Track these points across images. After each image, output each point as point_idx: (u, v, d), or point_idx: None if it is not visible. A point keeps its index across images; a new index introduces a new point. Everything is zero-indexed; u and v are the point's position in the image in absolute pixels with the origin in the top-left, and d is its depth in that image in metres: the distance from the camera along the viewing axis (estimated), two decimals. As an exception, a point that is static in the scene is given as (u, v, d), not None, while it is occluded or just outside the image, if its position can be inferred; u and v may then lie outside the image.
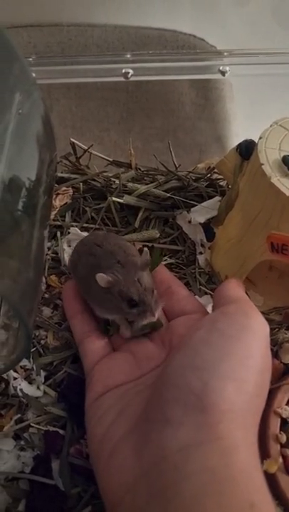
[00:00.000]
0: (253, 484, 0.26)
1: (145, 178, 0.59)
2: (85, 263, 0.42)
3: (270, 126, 0.44)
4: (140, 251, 0.43)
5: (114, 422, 0.33)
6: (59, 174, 0.58)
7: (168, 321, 0.42)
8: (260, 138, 0.43)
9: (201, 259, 0.52)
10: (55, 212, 0.55)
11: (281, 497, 0.36)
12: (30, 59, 0.55)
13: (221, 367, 0.29)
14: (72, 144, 0.59)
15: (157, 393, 0.31)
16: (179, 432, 0.28)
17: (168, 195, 0.56)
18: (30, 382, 0.43)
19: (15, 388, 0.42)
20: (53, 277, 0.50)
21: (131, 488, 0.28)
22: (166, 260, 0.52)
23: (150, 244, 0.52)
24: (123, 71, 0.54)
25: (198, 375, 0.29)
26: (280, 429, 0.39)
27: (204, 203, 0.55)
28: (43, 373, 0.43)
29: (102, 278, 0.38)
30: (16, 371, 0.43)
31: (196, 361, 0.30)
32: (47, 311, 0.47)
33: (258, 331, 0.32)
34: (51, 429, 0.40)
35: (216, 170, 0.56)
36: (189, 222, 0.54)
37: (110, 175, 0.58)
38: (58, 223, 0.55)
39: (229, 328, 0.32)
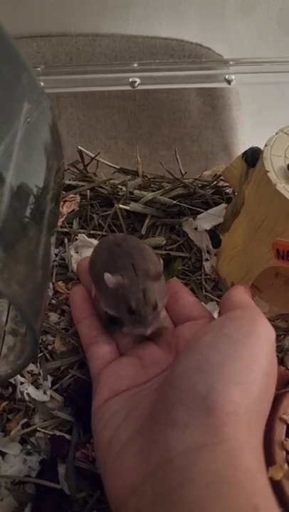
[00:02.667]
0: (257, 487, 0.26)
1: (152, 186, 0.60)
2: (102, 259, 0.42)
3: (276, 133, 0.45)
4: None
5: (120, 425, 0.33)
6: (66, 181, 0.59)
7: (174, 326, 0.42)
8: (266, 145, 0.43)
9: (207, 265, 0.53)
10: (63, 219, 0.56)
11: (287, 504, 0.36)
12: (39, 68, 0.56)
13: (226, 370, 0.30)
14: (80, 152, 0.59)
15: (163, 396, 0.32)
16: (184, 434, 0.28)
17: (174, 202, 0.56)
18: (37, 387, 0.43)
19: (22, 393, 0.42)
20: (61, 283, 0.50)
21: (136, 490, 0.28)
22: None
23: (165, 252, 0.53)
24: (130, 80, 0.55)
25: (203, 378, 0.30)
26: (286, 436, 0.39)
27: (210, 210, 0.55)
28: (50, 378, 0.44)
29: (109, 278, 0.38)
30: (23, 376, 0.43)
31: (202, 364, 0.31)
32: (54, 317, 0.48)
33: (264, 336, 0.32)
34: (58, 433, 0.40)
35: (222, 177, 0.56)
36: (195, 229, 0.54)
37: (117, 182, 0.59)
38: (66, 230, 0.55)
39: (235, 333, 0.32)
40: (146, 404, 0.33)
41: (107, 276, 0.38)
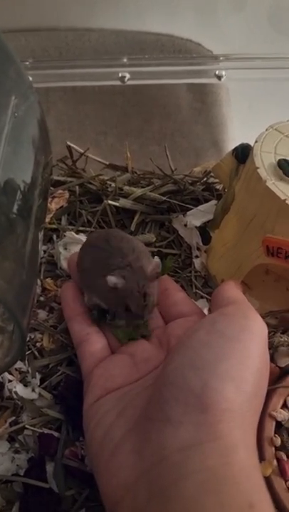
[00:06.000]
0: (252, 484, 0.26)
1: (141, 182, 0.59)
2: (93, 255, 0.42)
3: (266, 130, 0.45)
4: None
5: (113, 423, 0.33)
6: (55, 177, 0.59)
7: (165, 323, 0.42)
8: (256, 142, 0.43)
9: (197, 262, 0.52)
10: (51, 215, 0.55)
11: (276, 500, 0.36)
12: (28, 63, 0.55)
13: (220, 367, 0.30)
14: (69, 147, 0.59)
15: (157, 393, 0.31)
16: (179, 431, 0.28)
17: (164, 198, 0.56)
18: (25, 385, 0.43)
19: (10, 391, 0.42)
20: (49, 280, 0.50)
21: (131, 488, 0.28)
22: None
23: (156, 250, 0.53)
24: (120, 75, 0.54)
25: (198, 375, 0.29)
26: (275, 432, 0.39)
27: (200, 207, 0.55)
28: (38, 376, 0.43)
29: (111, 280, 0.38)
30: (11, 373, 0.43)
31: (195, 361, 0.30)
32: (42, 314, 0.47)
33: (257, 332, 0.32)
34: (46, 431, 0.40)
35: (212, 174, 0.56)
36: (185, 225, 0.54)
37: (106, 178, 0.58)
38: (54, 226, 0.55)
39: (228, 329, 0.32)
40: (139, 401, 0.33)
41: (110, 279, 0.38)
